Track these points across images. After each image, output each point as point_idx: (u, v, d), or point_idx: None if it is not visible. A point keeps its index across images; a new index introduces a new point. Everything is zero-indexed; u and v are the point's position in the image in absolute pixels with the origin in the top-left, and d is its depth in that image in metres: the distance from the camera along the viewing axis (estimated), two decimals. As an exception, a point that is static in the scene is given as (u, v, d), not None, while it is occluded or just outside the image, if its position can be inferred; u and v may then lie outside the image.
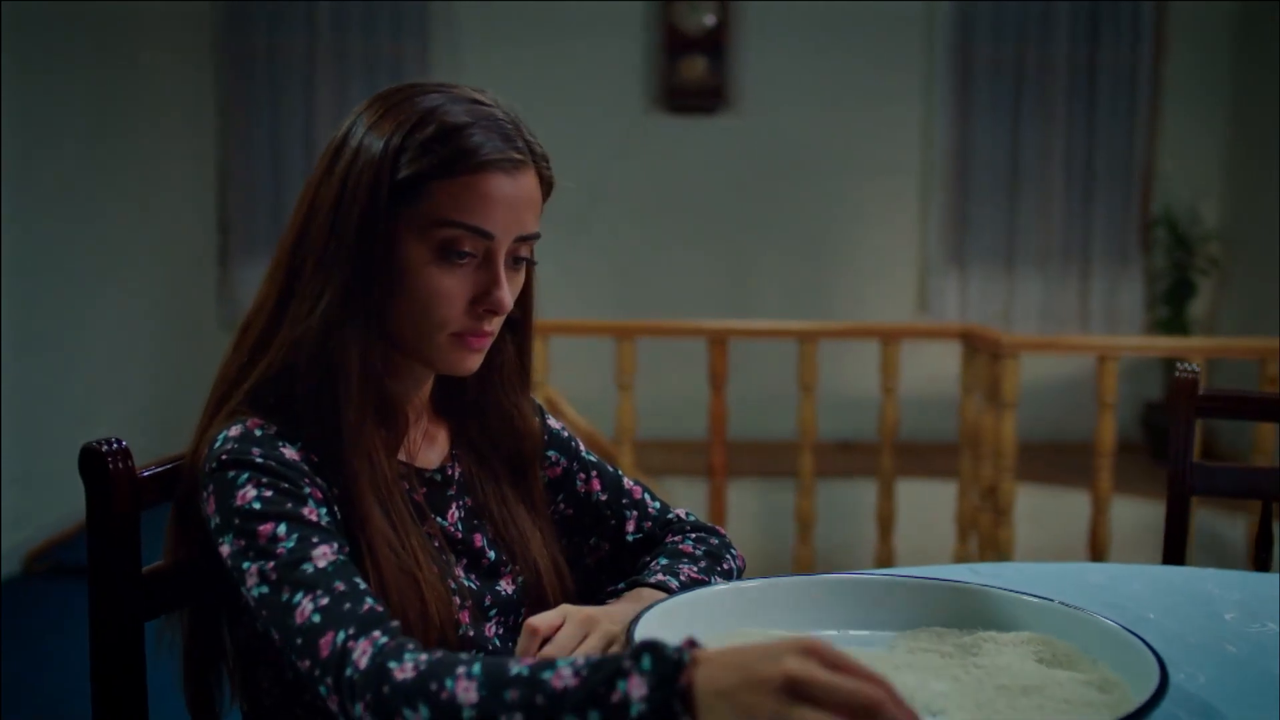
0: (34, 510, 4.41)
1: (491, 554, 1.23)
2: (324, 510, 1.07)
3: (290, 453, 1.09)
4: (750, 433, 5.28)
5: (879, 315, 6.22)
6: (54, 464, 4.53)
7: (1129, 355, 5.24)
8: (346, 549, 1.06)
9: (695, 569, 1.26)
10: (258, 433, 1.09)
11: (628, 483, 1.37)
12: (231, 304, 6.09)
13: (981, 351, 4.11)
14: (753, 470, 5.46)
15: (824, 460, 4.29)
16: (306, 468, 1.09)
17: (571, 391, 4.87)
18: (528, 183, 1.15)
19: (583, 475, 1.35)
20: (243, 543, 1.04)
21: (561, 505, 1.34)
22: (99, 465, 1.13)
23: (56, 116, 4.55)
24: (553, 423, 1.36)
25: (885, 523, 4.24)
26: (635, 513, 1.35)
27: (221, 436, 1.09)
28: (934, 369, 5.61)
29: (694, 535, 1.34)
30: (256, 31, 6.02)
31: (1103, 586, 1.39)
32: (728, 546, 1.33)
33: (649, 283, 6.22)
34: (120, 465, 1.13)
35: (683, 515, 1.38)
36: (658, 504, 1.38)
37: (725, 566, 1.30)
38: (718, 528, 1.37)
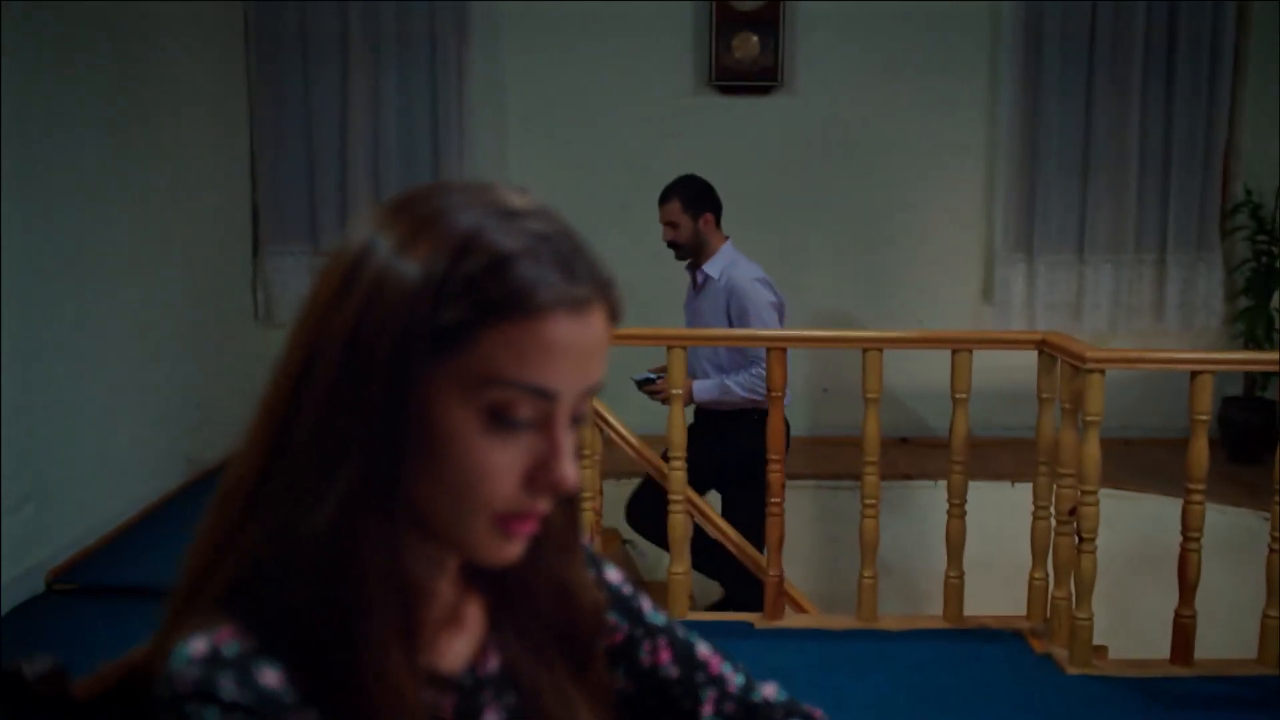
0: (55, 526, 4.20)
1: None
2: None
3: (271, 678, 0.82)
4: (798, 428, 5.00)
5: (941, 305, 5.91)
6: (73, 477, 4.32)
7: (1211, 356, 4.87)
8: None
9: None
10: (227, 652, 0.82)
11: (702, 650, 1.09)
12: (264, 294, 5.92)
13: (1060, 362, 3.80)
14: (803, 470, 5.19)
15: (881, 456, 3.94)
16: (290, 700, 0.83)
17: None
18: (596, 324, 0.86)
19: (648, 644, 1.07)
20: None
21: (620, 681, 1.07)
22: (18, 691, 0.86)
23: (68, 110, 4.27)
24: (610, 575, 1.08)
25: (955, 549, 3.92)
26: (713, 692, 1.08)
27: (183, 654, 0.83)
28: (994, 362, 5.29)
29: (788, 731, 1.06)
30: (287, 16, 5.77)
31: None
32: (829, 746, 1.06)
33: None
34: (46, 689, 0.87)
35: (771, 697, 1.10)
36: (740, 679, 1.10)
37: (828, 782, 1.03)
38: (814, 712, 1.09)
